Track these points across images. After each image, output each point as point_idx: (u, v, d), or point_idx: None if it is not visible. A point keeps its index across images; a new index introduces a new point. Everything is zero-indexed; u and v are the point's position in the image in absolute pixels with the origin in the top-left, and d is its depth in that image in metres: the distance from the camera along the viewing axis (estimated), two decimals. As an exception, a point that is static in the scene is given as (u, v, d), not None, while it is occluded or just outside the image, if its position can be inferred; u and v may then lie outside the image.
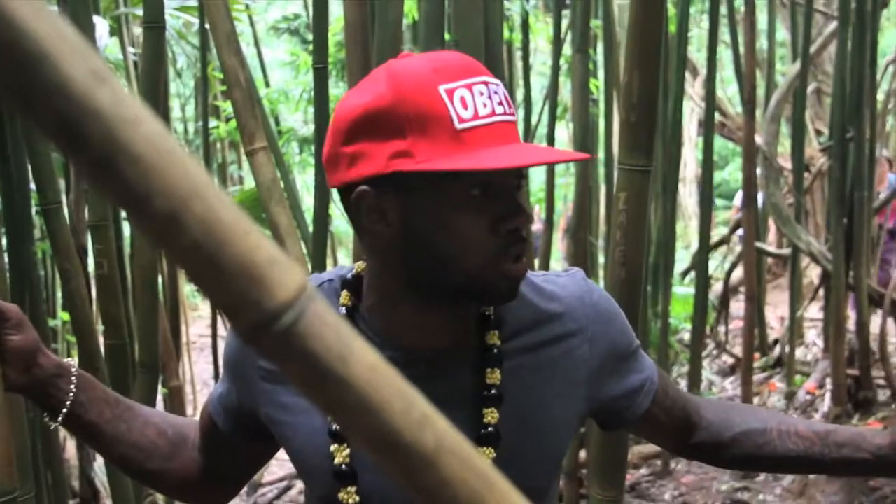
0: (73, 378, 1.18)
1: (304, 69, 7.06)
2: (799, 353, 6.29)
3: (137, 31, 5.91)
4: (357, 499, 1.13)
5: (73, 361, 1.22)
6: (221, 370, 1.26)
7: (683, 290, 6.64)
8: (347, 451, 1.13)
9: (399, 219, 1.06)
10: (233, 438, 1.26)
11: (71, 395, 1.18)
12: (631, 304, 1.99)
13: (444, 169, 1.01)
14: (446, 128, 1.02)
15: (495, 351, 1.13)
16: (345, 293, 1.17)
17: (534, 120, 5.88)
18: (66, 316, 3.49)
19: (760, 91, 6.81)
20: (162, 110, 4.92)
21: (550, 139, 5.07)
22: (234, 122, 4.18)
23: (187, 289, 11.05)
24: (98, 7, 4.66)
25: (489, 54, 2.65)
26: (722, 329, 6.99)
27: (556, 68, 4.88)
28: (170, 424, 1.34)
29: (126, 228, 3.84)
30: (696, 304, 5.57)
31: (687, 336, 6.22)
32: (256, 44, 6.79)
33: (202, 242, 0.44)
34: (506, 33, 6.16)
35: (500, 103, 1.05)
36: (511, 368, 1.14)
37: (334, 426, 1.12)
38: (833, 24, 5.76)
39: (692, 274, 7.15)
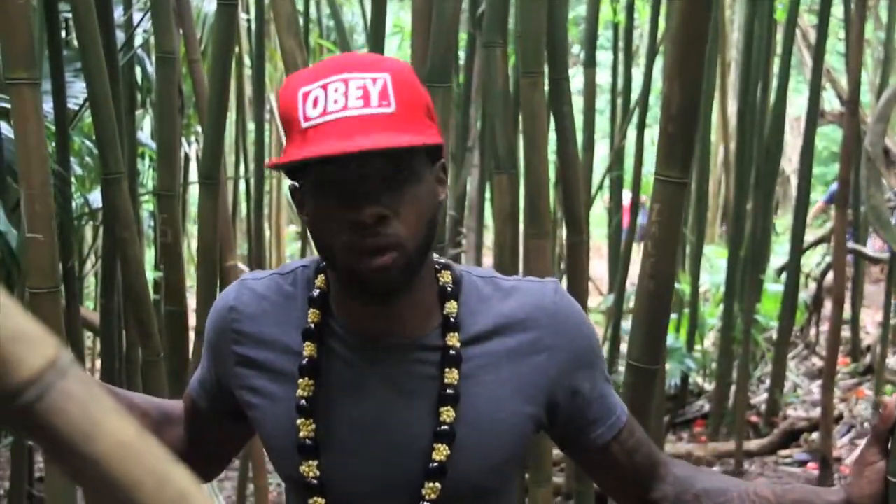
0: None
1: (407, 39, 7.07)
2: (893, 361, 6.06)
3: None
4: (317, 473, 1.17)
5: None
6: (203, 350, 1.32)
7: (777, 288, 6.45)
8: (313, 426, 1.17)
9: (304, 211, 1.15)
10: (214, 418, 1.32)
11: None
12: (658, 318, 1.96)
13: (271, 163, 1.11)
14: (296, 127, 1.08)
15: (453, 352, 1.17)
16: (321, 277, 1.21)
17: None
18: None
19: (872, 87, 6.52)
20: (258, 76, 5.01)
21: (641, 126, 4.98)
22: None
23: (292, 248, 11.27)
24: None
25: (552, 48, 2.61)
26: (813, 331, 6.78)
27: (651, 56, 4.78)
28: (153, 405, 1.40)
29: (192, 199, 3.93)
30: (785, 302, 5.43)
31: (776, 335, 6.06)
32: (363, 10, 6.84)
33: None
34: (611, 15, 6.07)
35: (362, 97, 1.07)
36: (470, 370, 1.18)
37: (301, 402, 1.17)
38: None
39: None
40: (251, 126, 6.76)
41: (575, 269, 2.77)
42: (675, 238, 1.92)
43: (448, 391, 1.16)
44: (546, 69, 2.61)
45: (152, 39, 4.63)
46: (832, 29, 9.42)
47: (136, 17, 4.11)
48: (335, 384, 1.18)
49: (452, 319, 1.18)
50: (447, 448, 1.15)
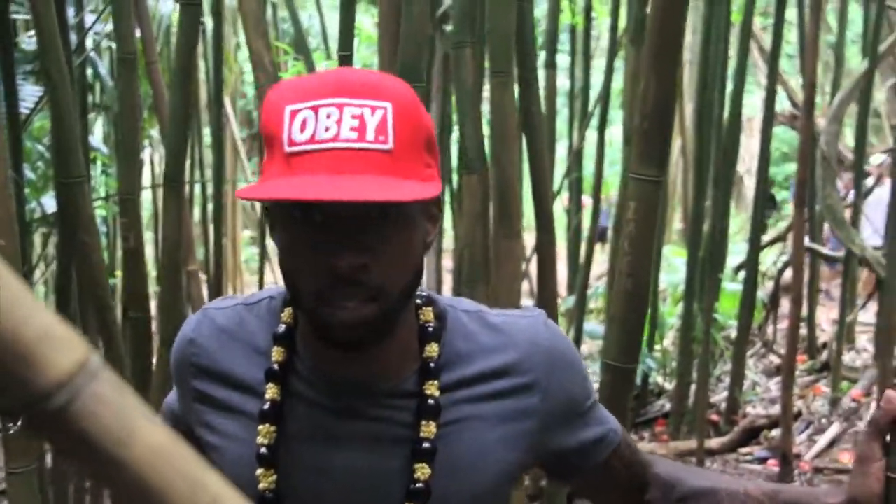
0: None
1: (364, 42, 7.04)
2: (848, 358, 6.15)
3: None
4: None
5: None
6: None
7: (734, 286, 6.51)
8: (274, 477, 1.07)
9: (275, 236, 1.03)
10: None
11: None
12: (636, 316, 1.96)
13: (241, 196, 0.97)
14: (279, 149, 0.97)
15: (431, 402, 1.07)
16: (288, 311, 1.11)
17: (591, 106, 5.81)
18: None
19: (829, 85, 6.63)
20: (216, 79, 4.97)
21: (602, 128, 5.00)
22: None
23: (247, 252, 11.17)
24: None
25: (521, 49, 2.61)
26: (770, 329, 6.85)
27: (611, 57, 4.80)
28: None
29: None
30: (744, 301, 5.48)
31: (734, 333, 6.12)
32: (320, 13, 6.82)
33: (-39, 319, 0.42)
34: (569, 16, 6.09)
35: (356, 128, 0.95)
36: (454, 416, 1.09)
37: (262, 450, 1.07)
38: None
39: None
40: (205, 130, 6.72)
41: (544, 269, 2.76)
42: (651, 236, 1.92)
43: (424, 445, 1.05)
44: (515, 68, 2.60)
45: (104, 42, 4.58)
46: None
47: (88, 19, 4.05)
48: (300, 430, 1.07)
49: (432, 365, 1.08)
50: None
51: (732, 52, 5.55)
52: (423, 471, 1.06)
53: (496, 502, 1.12)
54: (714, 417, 5.71)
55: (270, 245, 8.00)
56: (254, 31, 2.38)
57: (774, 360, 6.67)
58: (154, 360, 2.86)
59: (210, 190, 6.32)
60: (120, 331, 2.70)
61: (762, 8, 9.14)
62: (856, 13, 10.18)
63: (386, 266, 0.98)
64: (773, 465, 5.05)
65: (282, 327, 1.10)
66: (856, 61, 10.38)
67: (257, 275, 6.60)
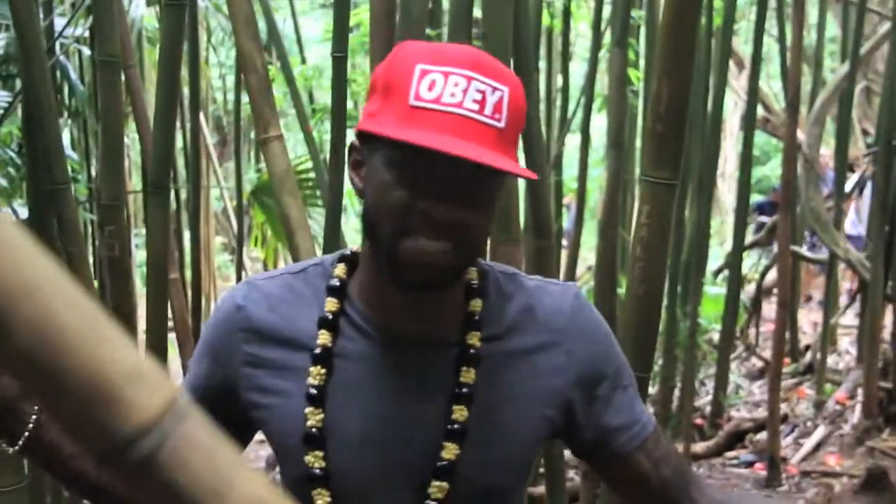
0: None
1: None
2: (831, 360, 6.14)
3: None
4: (323, 464, 1.13)
5: None
6: (198, 354, 1.23)
7: (715, 290, 6.49)
8: (321, 416, 1.13)
9: (362, 173, 1.13)
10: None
11: (34, 416, 1.09)
12: (649, 324, 1.90)
13: (369, 131, 1.07)
14: (403, 100, 1.05)
15: (472, 351, 1.15)
16: (341, 266, 1.19)
17: (570, 110, 5.77)
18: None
19: (807, 88, 6.64)
20: (193, 83, 4.87)
21: (585, 130, 4.95)
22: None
23: (219, 259, 11.04)
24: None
25: (518, 48, 2.54)
26: (753, 331, 6.84)
27: (594, 60, 4.75)
28: None
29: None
30: (727, 304, 5.45)
31: (716, 336, 6.09)
32: (294, 18, 6.72)
33: (33, 352, 0.35)
34: (546, 19, 6.03)
35: (478, 101, 1.04)
36: (488, 368, 1.16)
37: (311, 390, 1.13)
38: (887, 25, 5.57)
39: (725, 272, 7.01)
40: (178, 135, 6.59)
41: (543, 275, 2.70)
42: (665, 241, 1.87)
43: (463, 390, 1.14)
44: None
45: (72, 46, 4.47)
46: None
47: (57, 22, 3.96)
48: (348, 375, 1.15)
49: (476, 318, 1.17)
50: (457, 447, 1.13)
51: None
52: (461, 413, 1.13)
53: (526, 458, 1.20)
54: (699, 421, 5.68)
55: (246, 253, 7.89)
56: (244, 33, 2.30)
57: (757, 363, 6.66)
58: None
59: (182, 196, 6.23)
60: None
61: (741, 11, 9.15)
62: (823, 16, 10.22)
63: (474, 226, 1.08)
64: (759, 469, 5.03)
65: (336, 281, 1.17)
66: (826, 64, 10.43)
67: (232, 281, 6.50)
